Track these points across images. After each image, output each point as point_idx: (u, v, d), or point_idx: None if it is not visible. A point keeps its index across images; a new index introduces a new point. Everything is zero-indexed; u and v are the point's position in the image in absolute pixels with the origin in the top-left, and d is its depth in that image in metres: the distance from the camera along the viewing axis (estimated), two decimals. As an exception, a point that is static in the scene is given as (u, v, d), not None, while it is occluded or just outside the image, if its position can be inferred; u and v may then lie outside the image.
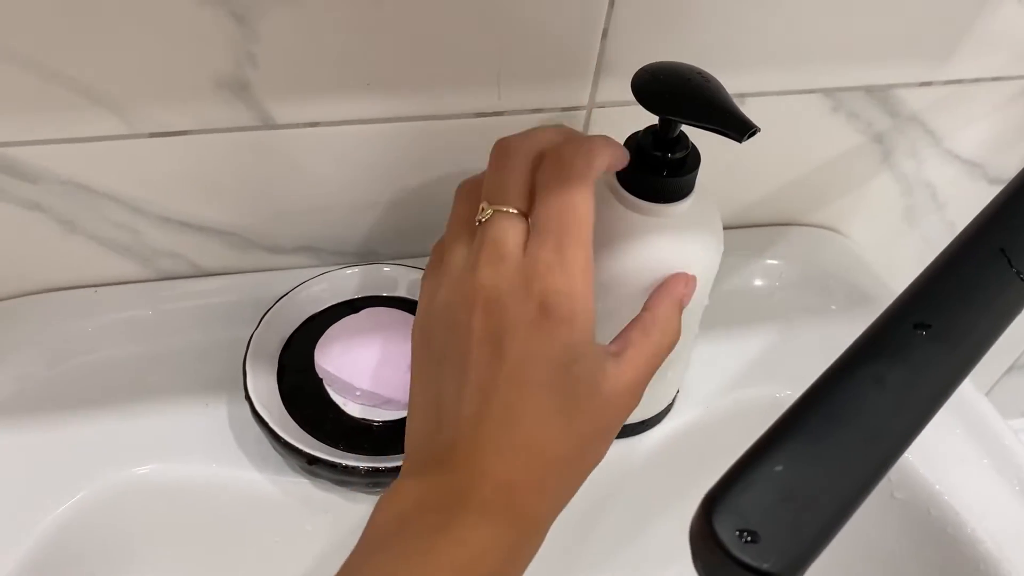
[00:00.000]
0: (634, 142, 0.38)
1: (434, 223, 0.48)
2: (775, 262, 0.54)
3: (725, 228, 0.54)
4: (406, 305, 0.45)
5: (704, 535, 0.23)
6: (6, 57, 0.36)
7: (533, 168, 0.34)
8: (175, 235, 0.45)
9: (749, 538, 0.22)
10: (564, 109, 0.45)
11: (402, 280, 0.46)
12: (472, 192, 0.36)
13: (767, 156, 0.51)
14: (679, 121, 0.35)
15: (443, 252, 0.35)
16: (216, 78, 0.39)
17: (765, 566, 0.22)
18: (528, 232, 0.33)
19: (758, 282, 0.53)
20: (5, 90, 0.37)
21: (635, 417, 0.45)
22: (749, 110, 0.47)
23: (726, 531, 0.22)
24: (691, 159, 0.37)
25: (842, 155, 0.52)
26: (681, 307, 0.37)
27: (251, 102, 0.40)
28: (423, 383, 0.33)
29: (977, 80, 0.50)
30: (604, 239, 0.38)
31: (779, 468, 0.23)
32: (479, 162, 0.46)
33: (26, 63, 0.36)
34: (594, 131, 0.46)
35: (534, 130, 0.36)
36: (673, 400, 0.47)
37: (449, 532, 0.28)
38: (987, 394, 0.82)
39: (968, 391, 0.50)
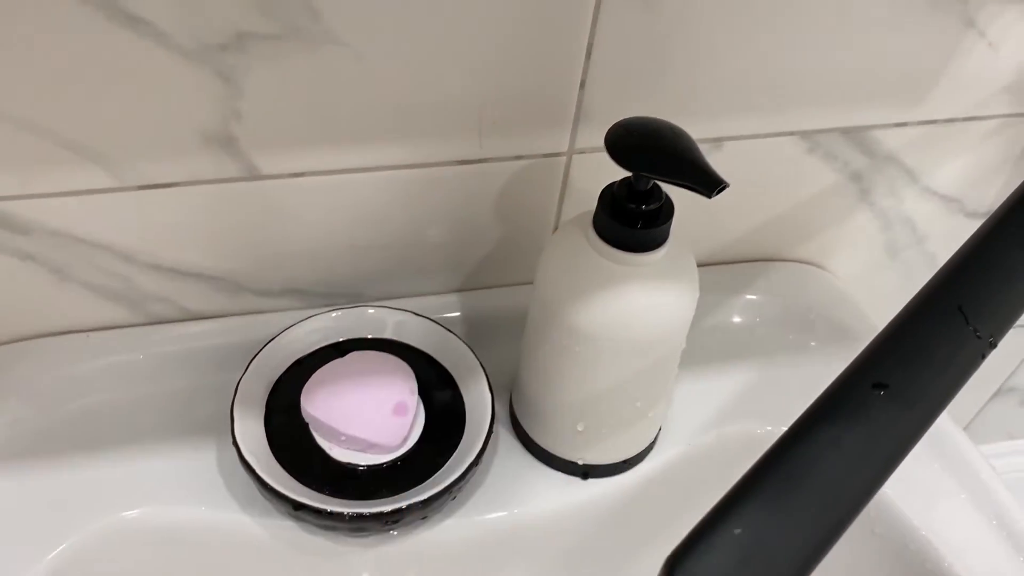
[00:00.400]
0: (609, 194, 0.39)
1: (417, 265, 0.50)
2: (756, 297, 0.55)
3: (707, 265, 0.56)
4: (391, 347, 0.46)
5: (665, 599, 0.23)
6: (1, 116, 0.37)
7: None
8: (165, 281, 0.46)
9: (708, 601, 0.23)
10: (545, 155, 0.46)
11: (388, 321, 0.47)
12: None
13: (747, 195, 0.52)
14: (650, 177, 0.36)
15: None
16: (203, 133, 0.40)
17: (723, 630, 0.22)
18: None
19: (739, 318, 0.54)
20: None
21: (619, 456, 0.46)
22: (727, 153, 0.49)
23: (686, 595, 0.23)
24: (665, 210, 0.38)
25: (821, 193, 0.53)
26: None
27: (237, 155, 0.41)
28: None
29: (951, 120, 0.51)
30: (581, 288, 0.39)
31: (738, 531, 0.24)
32: (462, 207, 0.47)
33: (20, 122, 0.38)
34: (573, 176, 0.47)
35: None
36: (656, 438, 0.48)
37: None
38: (973, 419, 0.83)
39: (946, 425, 0.51)
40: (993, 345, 0.29)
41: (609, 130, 0.36)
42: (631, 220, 0.38)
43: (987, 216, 0.33)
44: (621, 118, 0.37)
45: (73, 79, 0.37)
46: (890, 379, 0.27)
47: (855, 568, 0.49)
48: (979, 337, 0.29)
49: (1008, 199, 0.33)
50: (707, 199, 0.34)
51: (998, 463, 0.90)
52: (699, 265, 0.55)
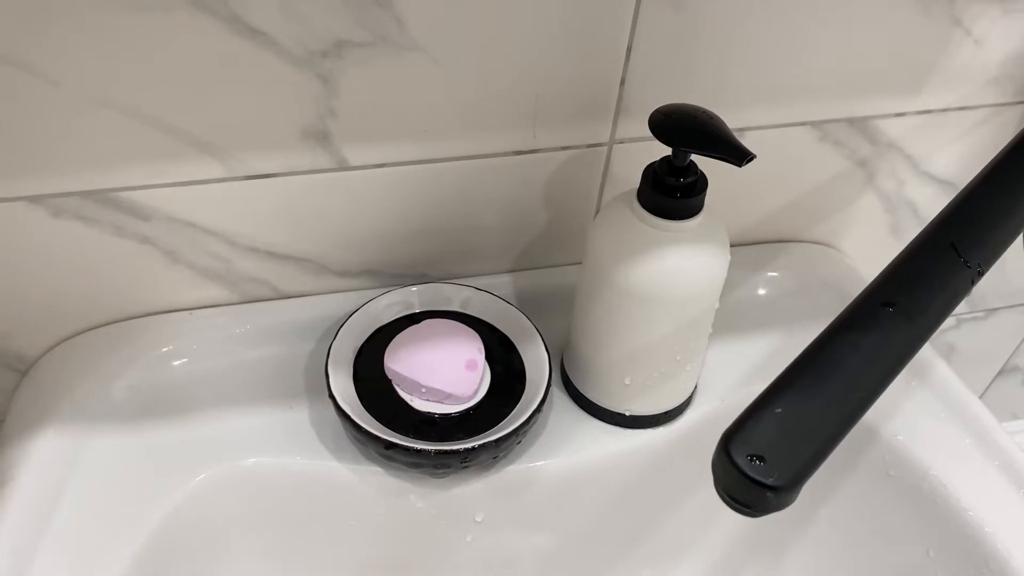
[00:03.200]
0: (651, 170, 0.45)
1: (476, 246, 0.56)
2: (777, 274, 0.61)
3: (732, 246, 0.62)
4: (459, 317, 0.53)
5: (723, 461, 0.30)
6: (133, 116, 0.44)
7: None
8: (260, 263, 0.53)
9: (758, 461, 0.29)
10: (589, 146, 0.53)
11: (455, 296, 0.53)
12: None
13: (765, 181, 0.58)
14: (688, 151, 0.43)
15: None
16: (303, 128, 0.47)
17: (770, 480, 0.29)
18: None
19: (762, 292, 0.61)
20: (130, 143, 0.45)
21: (661, 407, 0.52)
22: (748, 142, 0.55)
23: (740, 456, 0.29)
24: (700, 183, 0.45)
25: (831, 178, 0.60)
26: None
27: (330, 148, 0.48)
28: None
29: (945, 110, 0.58)
30: (627, 252, 0.46)
31: (779, 410, 0.30)
32: (515, 194, 0.54)
33: (149, 119, 0.44)
34: (614, 164, 0.54)
35: None
36: (693, 393, 0.54)
37: None
38: (979, 397, 0.89)
39: (950, 380, 0.57)
40: (981, 273, 0.35)
41: (652, 114, 0.43)
42: (670, 191, 0.45)
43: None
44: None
45: (196, 82, 0.44)
46: (897, 299, 0.34)
47: (876, 507, 0.55)
48: (968, 267, 0.35)
49: (993, 159, 0.39)
50: (738, 167, 0.41)
51: (1005, 441, 0.94)
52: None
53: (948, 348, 0.80)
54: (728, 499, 0.30)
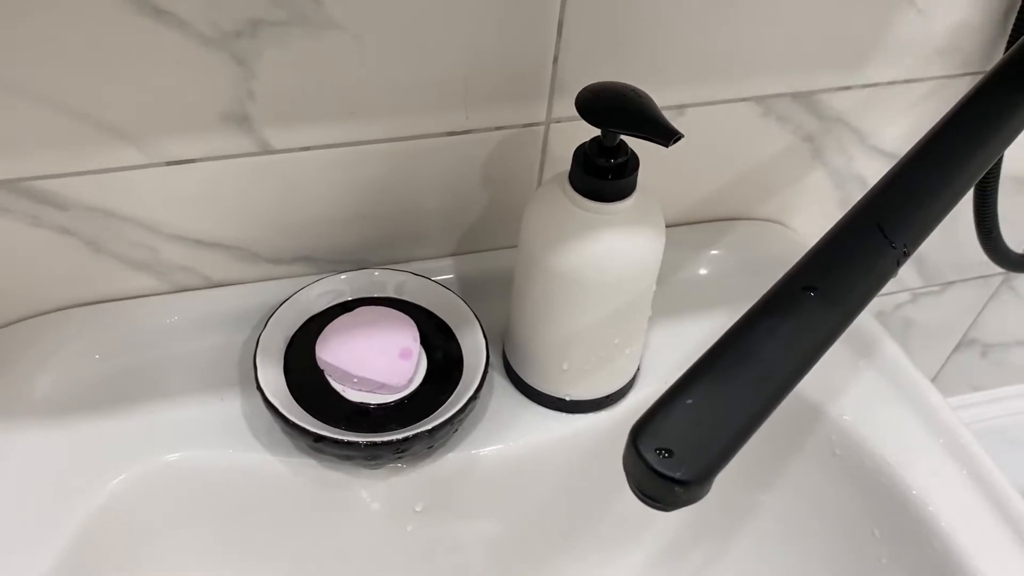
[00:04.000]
0: (581, 151, 0.44)
1: (415, 231, 0.55)
2: (723, 252, 0.60)
3: (678, 225, 0.61)
4: (394, 304, 0.51)
5: (631, 455, 0.29)
6: (41, 102, 0.42)
7: None
8: (188, 251, 0.51)
9: (666, 454, 0.28)
10: (525, 125, 0.51)
11: (389, 282, 0.52)
12: None
13: (709, 159, 0.57)
14: (616, 131, 0.42)
15: None
16: (222, 112, 0.45)
17: (678, 475, 0.28)
18: None
19: (708, 271, 0.60)
20: (40, 130, 0.43)
21: (601, 391, 0.51)
22: (689, 119, 0.54)
23: (648, 450, 0.28)
24: (631, 163, 0.44)
25: (777, 154, 0.59)
26: None
27: (251, 132, 0.46)
28: None
29: (891, 83, 0.57)
30: (560, 236, 0.45)
31: (690, 401, 0.29)
32: (452, 176, 0.53)
33: (59, 106, 0.43)
34: (552, 144, 0.53)
35: None
36: (634, 377, 0.53)
37: None
38: (938, 372, 0.89)
39: (898, 358, 0.56)
40: (907, 255, 0.34)
41: (579, 93, 0.42)
42: (602, 173, 0.43)
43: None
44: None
45: (106, 66, 0.42)
46: (818, 283, 0.33)
47: (822, 487, 0.54)
48: (894, 248, 0.34)
49: (922, 138, 0.38)
50: (665, 148, 0.40)
51: (964, 414, 0.95)
52: (671, 225, 0.61)
53: (905, 323, 0.80)
54: (638, 494, 0.29)
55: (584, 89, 0.42)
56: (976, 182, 0.37)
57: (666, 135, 0.40)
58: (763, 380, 0.30)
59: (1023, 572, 0.48)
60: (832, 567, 0.55)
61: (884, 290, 0.74)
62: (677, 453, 0.28)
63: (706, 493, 0.29)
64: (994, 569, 0.47)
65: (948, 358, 0.88)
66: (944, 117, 0.39)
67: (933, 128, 0.39)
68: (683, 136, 0.39)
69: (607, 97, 0.42)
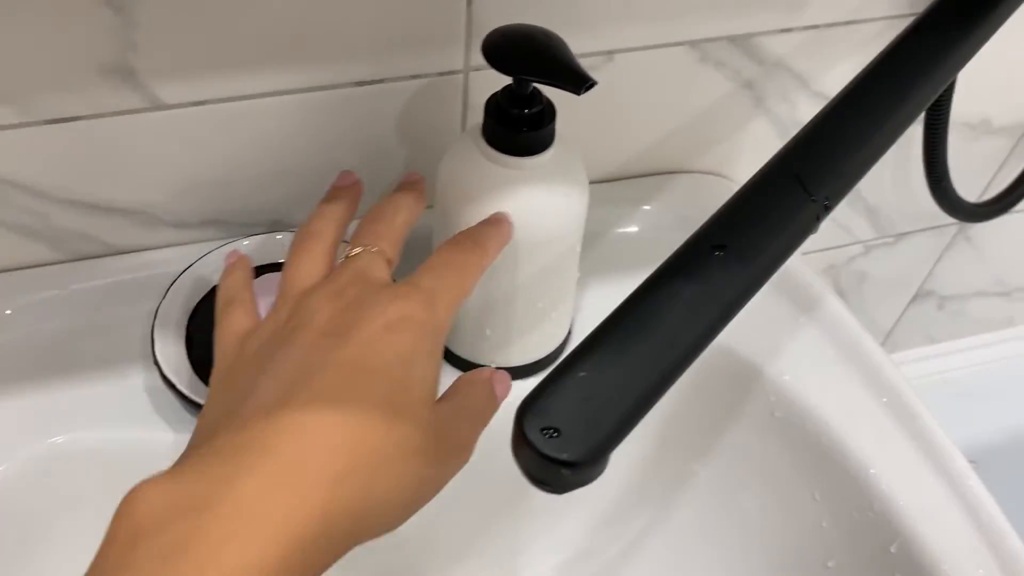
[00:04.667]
0: (493, 101, 0.41)
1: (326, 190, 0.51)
2: (659, 207, 0.57)
3: (613, 180, 0.58)
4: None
5: (517, 437, 0.26)
6: None
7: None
8: (83, 217, 0.48)
9: (553, 434, 0.26)
10: (441, 74, 0.48)
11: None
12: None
13: (644, 108, 0.54)
14: (524, 79, 0.38)
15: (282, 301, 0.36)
16: (102, 65, 0.42)
17: (564, 456, 0.25)
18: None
19: (641, 228, 0.57)
20: (-102, 88, 0.39)
21: (529, 357, 0.49)
22: (619, 66, 0.51)
23: (533, 430, 0.26)
24: (547, 113, 0.41)
25: (717, 102, 0.56)
26: (494, 394, 0.36)
27: (137, 86, 0.43)
28: (227, 388, 0.32)
29: (832, 24, 0.53)
30: (474, 194, 0.41)
31: (583, 374, 0.27)
32: (366, 129, 0.49)
33: (-85, 61, 0.39)
34: (472, 93, 0.49)
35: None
36: (565, 341, 0.51)
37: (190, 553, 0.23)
38: (895, 325, 0.87)
39: (841, 315, 0.54)
40: (828, 208, 0.32)
41: (485, 37, 0.38)
42: (516, 124, 0.40)
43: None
44: (501, 27, 0.39)
45: (-35, 15, 0.38)
46: (728, 241, 0.30)
47: (762, 450, 0.52)
48: (814, 201, 0.31)
49: (846, 85, 0.35)
50: (609, 97, 0.37)
51: (921, 366, 0.94)
52: (606, 181, 0.58)
53: (859, 276, 0.78)
54: (528, 477, 0.27)
55: (491, 33, 0.39)
56: (905, 130, 0.34)
57: (577, 82, 0.36)
58: (664, 348, 0.28)
59: (963, 532, 0.46)
60: (775, 531, 0.54)
61: (835, 242, 0.73)
62: (565, 432, 0.26)
63: (599, 474, 0.26)
64: (934, 531, 0.46)
65: (904, 311, 0.86)
66: (870, 63, 0.36)
67: (859, 74, 0.36)
68: (596, 83, 0.36)
69: (515, 41, 0.38)
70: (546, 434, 0.26)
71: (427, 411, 0.30)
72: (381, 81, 0.47)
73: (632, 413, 0.26)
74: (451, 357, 0.49)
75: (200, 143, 0.46)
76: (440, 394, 0.33)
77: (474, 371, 0.36)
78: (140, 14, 0.40)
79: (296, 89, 0.46)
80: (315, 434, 0.27)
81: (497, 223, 0.40)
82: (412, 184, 0.42)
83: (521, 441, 0.26)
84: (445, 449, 0.31)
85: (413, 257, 0.50)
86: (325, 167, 0.50)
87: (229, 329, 0.36)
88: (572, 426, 0.26)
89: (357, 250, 0.36)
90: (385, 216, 0.39)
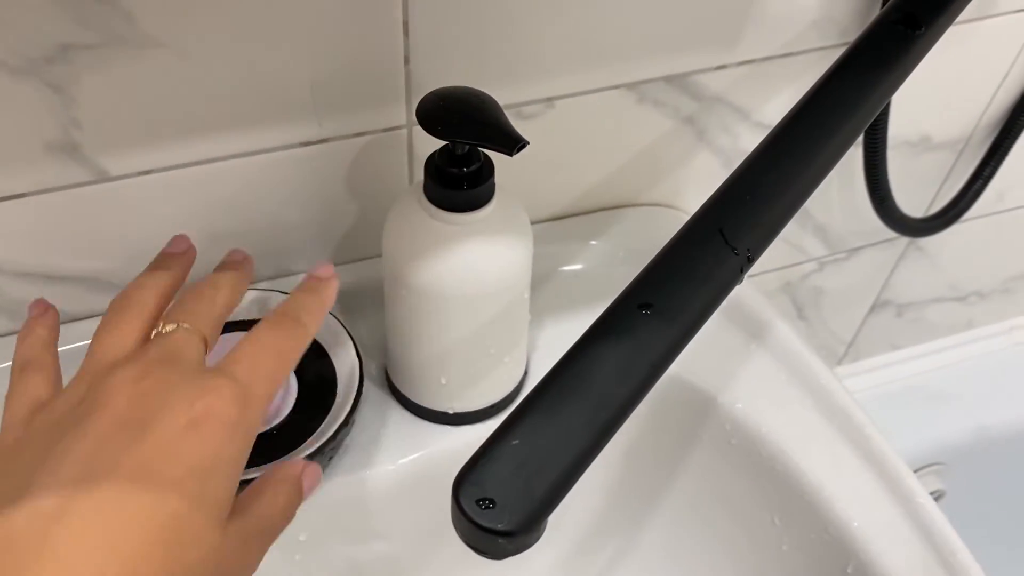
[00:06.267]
0: (432, 161, 0.42)
1: (282, 247, 0.52)
2: (607, 242, 0.59)
3: (561, 218, 0.59)
4: (241, 326, 0.49)
5: (454, 509, 0.27)
6: None
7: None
8: (35, 287, 0.48)
9: (488, 505, 0.27)
10: (385, 130, 0.49)
11: (249, 303, 0.49)
12: None
13: (588, 149, 0.55)
14: (458, 142, 0.39)
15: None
16: (46, 143, 0.42)
17: (500, 526, 0.26)
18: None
19: (594, 264, 0.58)
20: None
21: (485, 401, 0.50)
22: (560, 111, 0.52)
23: (468, 502, 0.27)
24: (485, 170, 0.42)
25: (659, 139, 0.57)
26: (300, 492, 0.34)
27: (83, 160, 0.43)
28: (5, 466, 0.29)
29: (768, 58, 0.55)
30: (418, 251, 0.42)
31: (516, 442, 0.28)
32: (314, 187, 0.50)
33: None
34: (417, 146, 0.50)
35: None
36: (521, 382, 0.52)
37: None
38: (856, 334, 0.89)
39: (790, 340, 0.55)
40: (751, 260, 0.33)
41: (419, 103, 0.39)
42: (455, 183, 0.41)
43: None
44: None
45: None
46: (654, 299, 0.31)
47: (722, 477, 0.53)
48: (737, 254, 0.32)
49: (764, 138, 0.37)
50: (509, 156, 0.38)
51: (886, 373, 0.96)
52: (557, 218, 0.59)
53: (815, 291, 0.79)
54: (468, 545, 0.28)
55: (425, 97, 0.40)
56: (826, 175, 0.36)
57: (510, 144, 0.37)
58: (595, 410, 0.29)
59: (915, 550, 0.47)
60: (738, 557, 0.55)
61: (789, 261, 0.74)
62: (499, 502, 0.27)
63: (536, 539, 0.27)
64: (887, 551, 0.47)
65: (864, 321, 0.88)
66: (790, 111, 0.37)
67: (779, 123, 0.37)
68: (527, 143, 0.37)
69: (448, 105, 0.39)
70: (481, 505, 0.27)
71: (216, 534, 0.28)
72: (325, 141, 0.48)
73: (565, 478, 0.27)
74: (410, 404, 0.50)
75: (148, 211, 0.47)
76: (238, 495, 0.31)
77: (283, 466, 0.34)
78: (79, 92, 0.41)
79: (241, 153, 0.46)
80: (85, 556, 0.25)
81: (315, 290, 0.37)
82: (237, 263, 0.39)
83: (458, 513, 0.27)
84: (226, 572, 0.29)
85: (379, 304, 0.51)
86: (272, 226, 0.51)
87: (22, 397, 0.32)
88: (506, 496, 0.27)
89: (171, 327, 0.33)
90: (205, 294, 0.36)
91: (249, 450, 0.30)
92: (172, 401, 0.28)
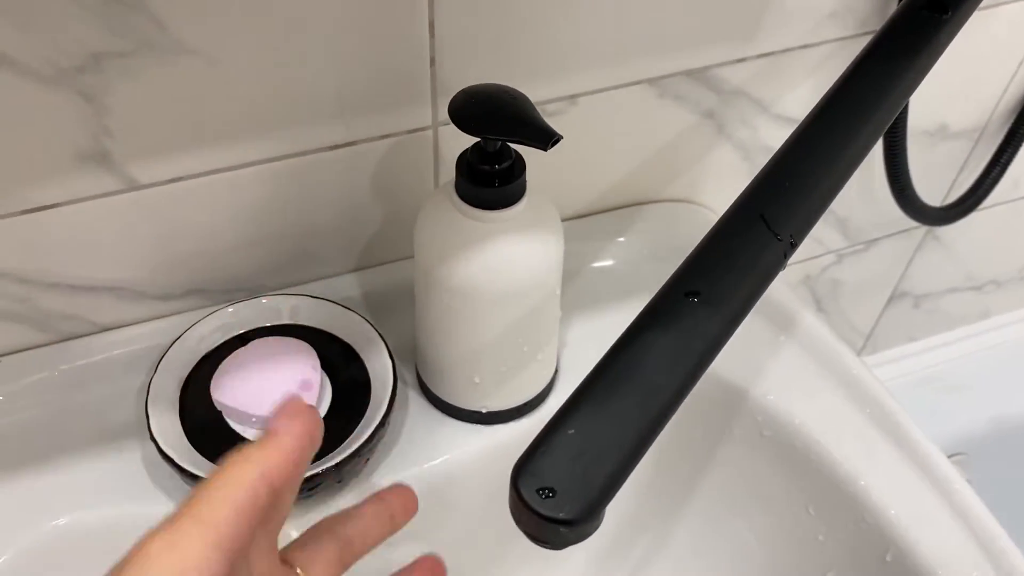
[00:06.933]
0: (464, 159, 0.42)
1: (311, 251, 0.52)
2: (633, 239, 0.59)
3: (586, 216, 0.59)
4: (292, 331, 0.49)
5: (513, 499, 0.27)
6: None
7: None
8: (67, 298, 0.48)
9: (549, 494, 0.27)
10: (410, 131, 0.49)
11: (283, 308, 0.49)
12: None
13: (610, 146, 0.55)
14: (492, 138, 0.39)
15: None
16: (77, 152, 0.42)
17: (561, 515, 0.26)
18: None
19: (619, 260, 0.58)
20: None
21: (518, 399, 0.50)
22: (583, 108, 0.52)
23: (528, 492, 0.27)
24: (517, 167, 0.42)
25: (680, 133, 0.57)
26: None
27: (113, 169, 0.44)
28: None
29: (786, 50, 0.55)
30: (451, 249, 0.42)
31: (572, 432, 0.28)
32: (342, 190, 0.50)
33: None
34: (443, 147, 0.50)
35: None
36: (553, 380, 0.52)
37: None
38: (874, 326, 0.89)
39: (818, 331, 0.55)
40: (794, 245, 0.33)
41: (451, 100, 0.39)
42: (487, 180, 0.41)
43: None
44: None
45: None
46: (700, 286, 0.31)
47: (754, 469, 0.53)
48: (780, 240, 0.33)
49: (801, 122, 0.37)
50: (543, 151, 0.38)
51: (904, 364, 0.96)
52: (579, 216, 0.59)
53: (833, 284, 0.79)
54: (528, 536, 0.28)
55: (457, 95, 0.40)
56: (864, 157, 0.36)
57: (544, 138, 0.38)
58: (648, 399, 0.29)
59: (954, 535, 0.47)
60: (773, 549, 0.54)
61: (809, 254, 0.74)
62: (560, 491, 0.27)
63: (596, 528, 0.27)
64: (926, 538, 0.47)
65: (882, 312, 0.88)
66: (826, 94, 0.37)
67: (815, 107, 0.37)
68: (561, 138, 0.37)
69: (480, 102, 0.39)
70: (542, 494, 0.27)
71: None
72: (353, 144, 0.48)
73: (623, 466, 0.27)
74: (443, 405, 0.50)
75: (178, 218, 0.47)
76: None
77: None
78: (111, 100, 0.41)
79: (269, 158, 0.47)
80: None
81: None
82: (391, 517, 0.39)
83: (518, 503, 0.27)
84: None
85: (407, 306, 0.51)
86: (301, 231, 0.51)
87: None
88: (566, 485, 0.27)
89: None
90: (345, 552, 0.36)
91: None
92: None
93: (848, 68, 0.39)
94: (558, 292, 0.47)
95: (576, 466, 0.27)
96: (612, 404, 0.28)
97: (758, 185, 0.34)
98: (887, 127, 0.39)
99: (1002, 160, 0.69)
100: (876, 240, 0.77)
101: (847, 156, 0.35)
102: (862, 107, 0.37)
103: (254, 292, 0.53)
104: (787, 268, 0.74)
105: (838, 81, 0.39)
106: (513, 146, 0.41)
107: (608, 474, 0.27)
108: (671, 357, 0.29)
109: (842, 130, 0.36)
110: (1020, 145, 0.69)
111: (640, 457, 0.28)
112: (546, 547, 0.27)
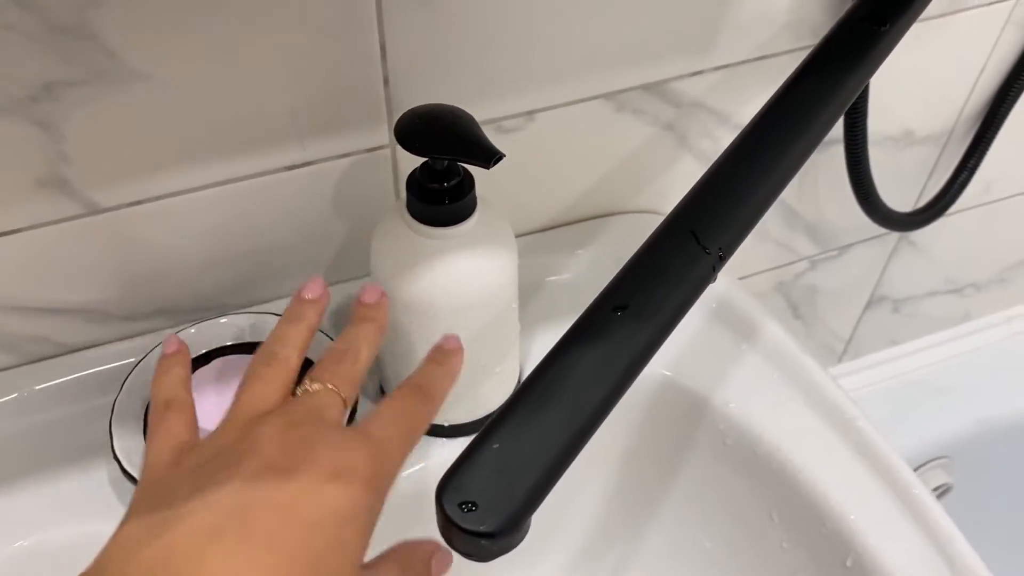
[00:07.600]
0: (414, 178, 0.43)
1: (274, 269, 0.53)
2: (595, 251, 0.59)
3: (549, 229, 0.60)
4: (252, 348, 0.49)
5: (439, 513, 0.28)
6: None
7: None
8: (33, 321, 0.49)
9: (471, 507, 0.27)
10: (368, 150, 0.50)
11: (244, 325, 0.50)
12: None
13: (570, 160, 0.56)
14: (436, 157, 0.40)
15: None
16: (36, 179, 0.43)
17: (482, 528, 0.27)
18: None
19: (582, 273, 0.59)
20: None
21: (479, 412, 0.50)
22: (540, 124, 0.53)
23: (451, 506, 0.27)
24: (465, 184, 0.42)
25: (641, 146, 0.58)
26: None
27: (73, 194, 0.44)
28: (155, 500, 0.31)
29: (743, 62, 0.56)
30: (405, 267, 0.43)
31: (496, 446, 0.28)
32: (302, 210, 0.51)
33: None
34: (401, 165, 0.51)
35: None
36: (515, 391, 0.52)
37: None
38: (854, 331, 0.89)
39: (781, 340, 0.56)
40: (723, 259, 0.33)
41: (397, 121, 0.40)
42: (436, 198, 0.42)
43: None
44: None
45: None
46: (629, 300, 0.32)
47: (720, 477, 0.54)
48: (708, 253, 0.33)
49: (735, 139, 0.37)
50: (486, 169, 0.38)
51: (886, 369, 0.96)
52: (546, 229, 0.60)
53: (809, 290, 0.80)
54: (454, 549, 0.28)
55: (403, 115, 0.40)
56: (795, 173, 0.36)
57: (486, 156, 0.38)
58: (573, 412, 0.29)
59: (912, 540, 0.48)
60: (740, 556, 0.55)
61: (780, 261, 0.75)
62: (481, 505, 0.27)
63: (520, 540, 0.28)
64: (883, 544, 0.47)
65: (860, 317, 0.88)
66: (758, 112, 0.38)
67: (748, 124, 0.38)
68: (503, 156, 0.38)
69: (425, 122, 0.40)
70: (464, 508, 0.27)
71: None
72: (311, 163, 0.49)
73: (546, 478, 0.28)
74: (405, 420, 0.50)
75: (140, 240, 0.48)
76: (371, 556, 0.32)
77: (417, 542, 0.35)
78: (66, 128, 0.42)
79: (228, 180, 0.47)
80: (236, 573, 0.27)
81: (443, 362, 0.38)
82: (372, 318, 0.40)
83: (442, 516, 0.27)
84: None
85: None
86: (262, 250, 0.52)
87: (165, 436, 0.35)
88: (488, 498, 0.27)
89: (316, 386, 0.35)
90: (348, 357, 0.37)
91: (383, 506, 0.32)
92: (317, 453, 0.30)
93: (785, 81, 0.40)
94: (515, 306, 0.47)
95: (499, 480, 0.28)
96: (537, 418, 0.29)
97: (689, 201, 0.35)
98: (824, 137, 0.40)
99: (969, 164, 0.69)
100: (850, 246, 0.77)
101: (780, 169, 0.36)
102: (796, 120, 0.38)
103: (220, 311, 0.53)
104: (760, 276, 0.74)
105: (775, 95, 0.39)
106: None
107: (531, 487, 0.28)
108: (597, 370, 0.30)
109: (775, 143, 0.36)
110: (987, 149, 0.70)
111: (565, 469, 0.28)
112: (472, 559, 0.28)
